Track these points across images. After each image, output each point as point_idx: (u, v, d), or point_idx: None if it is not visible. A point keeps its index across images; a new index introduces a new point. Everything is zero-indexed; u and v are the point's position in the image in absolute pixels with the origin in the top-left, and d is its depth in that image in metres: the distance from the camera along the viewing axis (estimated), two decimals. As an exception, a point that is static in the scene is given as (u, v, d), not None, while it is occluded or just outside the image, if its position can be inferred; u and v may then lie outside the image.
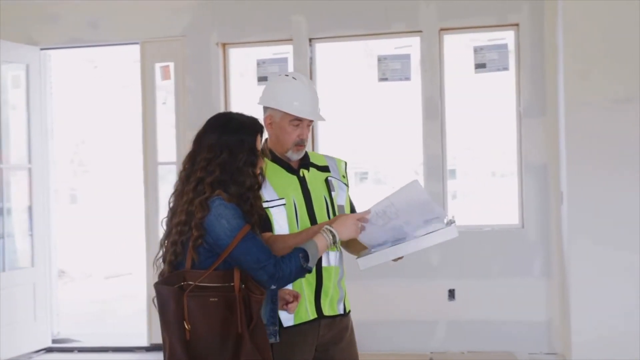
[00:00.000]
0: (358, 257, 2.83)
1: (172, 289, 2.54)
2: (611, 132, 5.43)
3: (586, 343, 5.46)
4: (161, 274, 2.66)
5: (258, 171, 2.68)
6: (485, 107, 6.37)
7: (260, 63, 6.55)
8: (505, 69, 6.22)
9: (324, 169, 3.05)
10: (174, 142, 6.68)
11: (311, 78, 6.40)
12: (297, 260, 2.59)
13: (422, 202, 2.74)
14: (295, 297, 2.78)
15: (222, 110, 6.48)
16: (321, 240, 2.69)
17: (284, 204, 2.85)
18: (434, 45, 6.22)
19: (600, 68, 5.44)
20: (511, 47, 6.19)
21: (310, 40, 6.42)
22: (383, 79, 6.36)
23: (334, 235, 2.70)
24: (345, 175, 3.12)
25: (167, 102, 6.79)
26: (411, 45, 6.40)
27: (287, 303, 2.78)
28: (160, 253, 2.70)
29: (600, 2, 5.43)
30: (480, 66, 6.24)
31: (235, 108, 6.63)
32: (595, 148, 5.45)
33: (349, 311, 3.04)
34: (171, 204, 2.71)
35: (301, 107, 2.96)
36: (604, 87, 5.43)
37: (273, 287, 2.58)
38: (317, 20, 6.37)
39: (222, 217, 2.56)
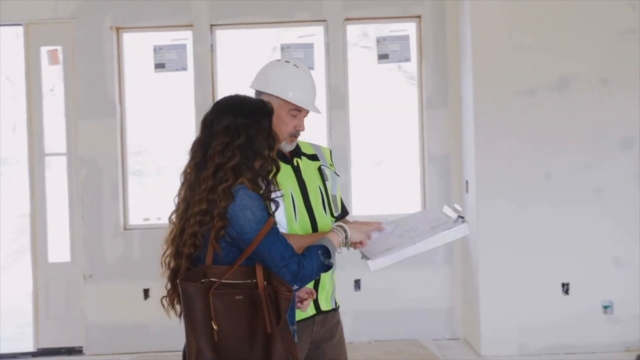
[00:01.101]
0: (367, 259, 2.71)
1: (200, 286, 2.35)
2: (517, 123, 5.61)
3: (494, 330, 5.63)
4: (173, 270, 2.45)
5: (275, 155, 2.52)
6: (387, 98, 6.41)
7: (157, 49, 6.25)
8: (407, 60, 6.28)
9: (313, 157, 2.92)
10: (63, 132, 6.26)
11: (212, 66, 6.20)
12: (317, 258, 2.46)
13: (434, 217, 2.73)
14: (311, 294, 2.65)
15: (116, 98, 6.15)
16: (335, 237, 2.59)
17: (282, 195, 2.68)
18: (338, 34, 6.18)
19: (507, 61, 5.60)
20: (413, 38, 6.27)
21: (211, 26, 6.21)
22: (286, 68, 6.25)
23: (346, 234, 2.61)
24: (332, 163, 3.01)
25: (55, 89, 6.35)
26: (314, 35, 6.34)
27: (302, 300, 2.63)
28: (169, 251, 2.48)
29: (507, -4, 5.60)
30: (383, 57, 6.27)
31: (130, 96, 6.31)
32: (502, 138, 5.62)
33: (339, 306, 2.93)
34: (182, 195, 2.49)
35: (303, 97, 2.81)
36: (510, 79, 5.60)
37: (296, 287, 2.41)
38: (219, 6, 6.17)
39: (247, 208, 2.38)
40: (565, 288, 5.65)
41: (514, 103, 5.61)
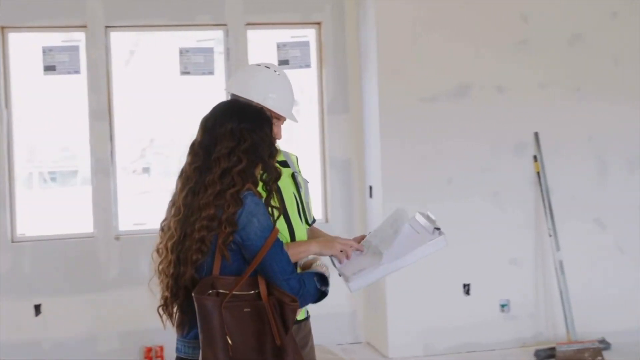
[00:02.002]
0: (347, 281, 2.65)
1: (217, 299, 2.24)
2: (420, 129, 5.76)
3: (401, 332, 5.73)
4: (174, 277, 2.34)
5: (275, 162, 2.46)
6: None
7: (46, 51, 5.92)
8: (308, 66, 6.30)
9: (284, 164, 2.84)
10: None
11: (107, 69, 5.95)
12: (313, 282, 2.41)
13: (394, 219, 2.71)
14: None
15: (1, 101, 5.78)
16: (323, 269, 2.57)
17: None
18: (239, 39, 6.10)
19: (410, 68, 5.73)
20: (313, 44, 6.29)
21: (106, 28, 5.95)
22: (185, 72, 6.11)
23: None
24: (299, 170, 2.94)
25: None
26: (214, 39, 6.23)
27: None
28: (170, 258, 2.35)
29: (410, 3, 5.71)
30: (283, 62, 6.25)
31: (17, 100, 5.95)
32: (407, 144, 5.75)
33: (310, 315, 2.87)
34: (181, 200, 2.37)
35: (283, 105, 2.72)
36: (414, 86, 5.73)
37: None
38: (115, 7, 5.92)
39: (254, 215, 2.31)
40: (466, 289, 5.84)
41: (417, 109, 5.75)
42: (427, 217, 2.71)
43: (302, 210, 2.79)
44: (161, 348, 5.90)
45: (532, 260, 5.95)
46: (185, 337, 2.41)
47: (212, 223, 2.29)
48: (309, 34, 6.32)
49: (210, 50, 6.16)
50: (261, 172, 2.43)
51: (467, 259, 5.79)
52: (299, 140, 6.42)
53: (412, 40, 5.74)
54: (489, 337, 5.87)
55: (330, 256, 2.69)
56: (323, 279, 2.47)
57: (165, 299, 2.39)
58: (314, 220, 2.94)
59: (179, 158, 6.59)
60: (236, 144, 2.34)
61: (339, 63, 6.22)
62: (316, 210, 6.25)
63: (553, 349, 5.58)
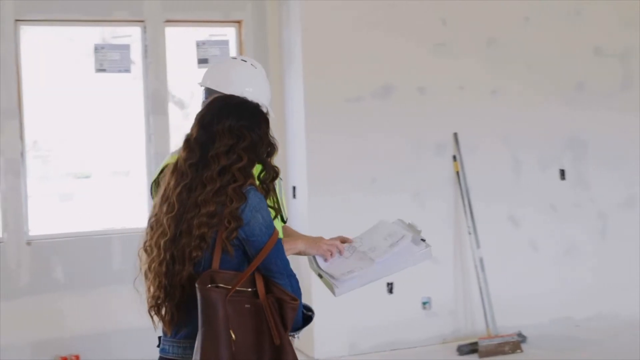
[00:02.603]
0: (333, 283, 2.59)
1: (222, 291, 2.15)
2: (345, 129, 5.77)
3: (327, 332, 5.71)
4: (168, 276, 2.24)
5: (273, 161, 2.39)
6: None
7: (-52, 45, 5.56)
8: (228, 65, 6.19)
9: None
10: None
11: (17, 65, 5.65)
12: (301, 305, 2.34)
13: (388, 231, 2.68)
14: None
15: None
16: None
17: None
18: (157, 36, 5.93)
19: (336, 69, 5.74)
20: (233, 43, 6.20)
21: (16, 22, 5.64)
22: (101, 69, 5.89)
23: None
24: None
25: None
26: (131, 35, 6.03)
27: None
28: (163, 255, 2.24)
29: (336, 4, 5.72)
30: (203, 61, 6.13)
31: None
32: (332, 144, 5.75)
33: None
34: (175, 196, 2.26)
35: (260, 99, 2.63)
36: (339, 86, 5.74)
37: None
38: (26, 1, 5.63)
39: (258, 210, 2.25)
40: (390, 287, 5.90)
41: (342, 109, 5.77)
42: (410, 226, 2.72)
43: (278, 208, 2.74)
44: (77, 357, 5.65)
45: (452, 258, 6.08)
46: (176, 337, 2.32)
47: (213, 220, 2.22)
48: (228, 33, 6.23)
49: (126, 47, 5.96)
50: (259, 171, 2.36)
51: (390, 257, 5.84)
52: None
53: (338, 40, 5.75)
54: (412, 334, 5.95)
55: (314, 256, 2.65)
56: (307, 307, 2.43)
57: (156, 298, 2.28)
58: (287, 219, 2.89)
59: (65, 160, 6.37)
60: (235, 141, 2.27)
61: (260, 62, 6.13)
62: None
63: (475, 343, 5.73)
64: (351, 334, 5.82)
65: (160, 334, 2.42)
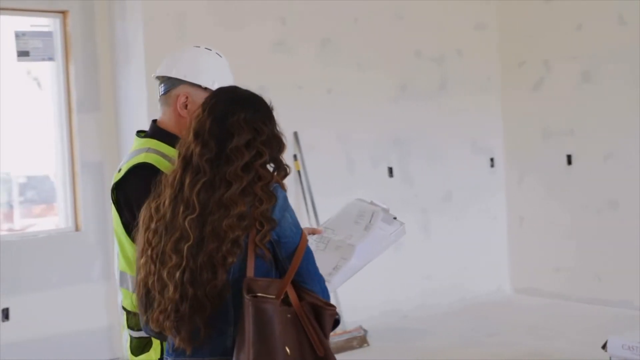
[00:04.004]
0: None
1: (277, 303, 1.93)
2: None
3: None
4: (203, 285, 1.98)
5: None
6: (28, 101, 5.69)
7: None
8: (51, 59, 5.69)
9: None
10: None
11: None
12: None
13: (357, 212, 2.55)
14: None
15: None
16: None
17: None
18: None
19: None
20: (58, 35, 5.70)
21: None
22: None
23: None
24: None
25: None
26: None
27: None
28: (188, 262, 1.97)
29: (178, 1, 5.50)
30: (23, 54, 5.58)
31: None
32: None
33: None
34: (195, 196, 2.01)
35: None
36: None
37: None
38: None
39: (285, 209, 2.08)
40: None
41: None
42: (373, 204, 2.64)
43: None
44: None
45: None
46: (196, 355, 2.04)
47: (244, 222, 2.00)
48: (52, 24, 5.71)
49: None
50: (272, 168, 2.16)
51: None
52: (42, 142, 5.77)
53: (180, 37, 5.51)
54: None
55: None
56: None
57: (175, 312, 1.99)
58: None
59: None
60: (253, 136, 2.08)
61: (89, 57, 5.72)
62: (65, 218, 5.74)
63: (324, 341, 5.76)
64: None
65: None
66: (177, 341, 2.02)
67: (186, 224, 2.01)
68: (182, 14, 5.55)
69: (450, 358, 5.39)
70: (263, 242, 2.03)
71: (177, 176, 2.06)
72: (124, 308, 2.41)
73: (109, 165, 5.74)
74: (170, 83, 2.45)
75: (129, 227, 2.28)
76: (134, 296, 2.13)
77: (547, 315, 6.52)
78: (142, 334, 2.25)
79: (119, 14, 5.63)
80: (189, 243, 2.00)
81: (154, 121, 2.50)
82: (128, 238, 2.32)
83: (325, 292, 2.12)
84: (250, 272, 2.01)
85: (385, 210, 2.60)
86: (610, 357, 2.70)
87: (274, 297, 1.98)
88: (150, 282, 2.03)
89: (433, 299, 6.79)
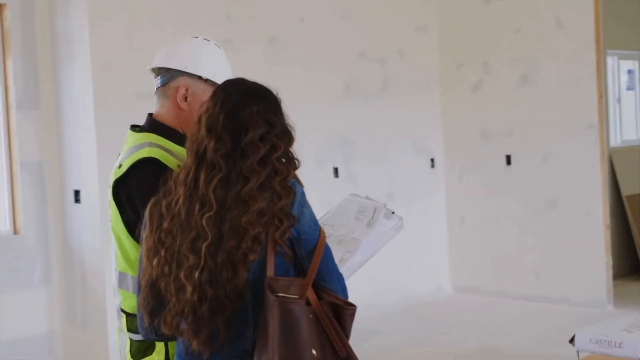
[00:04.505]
0: None
1: (303, 304, 1.87)
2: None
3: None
4: (224, 285, 1.90)
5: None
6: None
7: None
8: (-10, 54, 5.44)
9: None
10: None
11: None
12: None
13: (356, 208, 2.50)
14: None
15: None
16: None
17: None
18: None
19: (126, 63, 5.33)
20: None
21: None
22: None
23: None
24: None
25: None
26: None
27: None
28: (207, 261, 1.89)
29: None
30: (-43, 49, 5.32)
31: None
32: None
33: None
34: (210, 192, 1.93)
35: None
36: (129, 82, 5.34)
37: None
38: None
39: (303, 205, 2.02)
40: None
41: (133, 105, 5.36)
42: (369, 199, 2.61)
43: None
44: None
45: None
46: (214, 358, 1.96)
47: (263, 218, 1.93)
48: (-11, 17, 5.46)
49: None
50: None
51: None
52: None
53: (126, 35, 5.36)
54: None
55: None
56: None
57: (193, 313, 1.90)
58: None
59: None
60: (267, 129, 2.01)
61: (28, 53, 5.49)
62: (3, 221, 5.49)
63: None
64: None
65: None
66: (194, 344, 1.94)
67: (203, 222, 1.93)
68: (130, 12, 5.40)
69: (405, 357, 5.42)
70: (283, 239, 1.96)
71: (191, 173, 1.98)
72: (122, 310, 2.30)
73: (50, 165, 5.53)
74: (168, 75, 2.38)
75: (131, 226, 2.18)
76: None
77: (489, 313, 6.64)
78: None
79: (62, 11, 5.42)
80: (207, 242, 1.92)
81: (150, 115, 2.41)
82: (130, 237, 2.22)
83: (345, 291, 2.07)
84: (270, 270, 1.94)
85: (384, 205, 2.58)
86: (577, 352, 2.73)
87: (297, 297, 1.92)
88: (163, 284, 1.94)
89: (378, 299, 6.81)
